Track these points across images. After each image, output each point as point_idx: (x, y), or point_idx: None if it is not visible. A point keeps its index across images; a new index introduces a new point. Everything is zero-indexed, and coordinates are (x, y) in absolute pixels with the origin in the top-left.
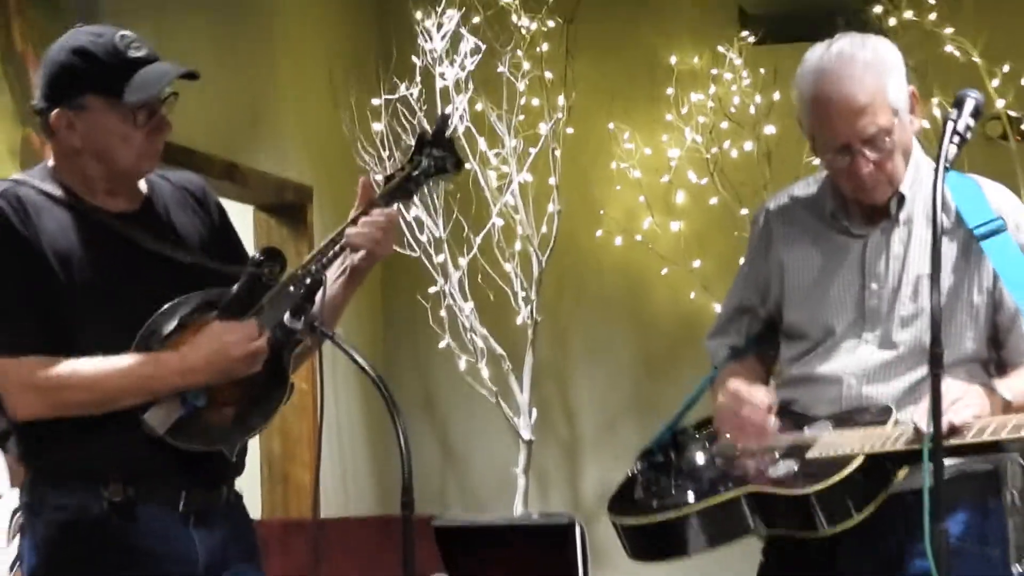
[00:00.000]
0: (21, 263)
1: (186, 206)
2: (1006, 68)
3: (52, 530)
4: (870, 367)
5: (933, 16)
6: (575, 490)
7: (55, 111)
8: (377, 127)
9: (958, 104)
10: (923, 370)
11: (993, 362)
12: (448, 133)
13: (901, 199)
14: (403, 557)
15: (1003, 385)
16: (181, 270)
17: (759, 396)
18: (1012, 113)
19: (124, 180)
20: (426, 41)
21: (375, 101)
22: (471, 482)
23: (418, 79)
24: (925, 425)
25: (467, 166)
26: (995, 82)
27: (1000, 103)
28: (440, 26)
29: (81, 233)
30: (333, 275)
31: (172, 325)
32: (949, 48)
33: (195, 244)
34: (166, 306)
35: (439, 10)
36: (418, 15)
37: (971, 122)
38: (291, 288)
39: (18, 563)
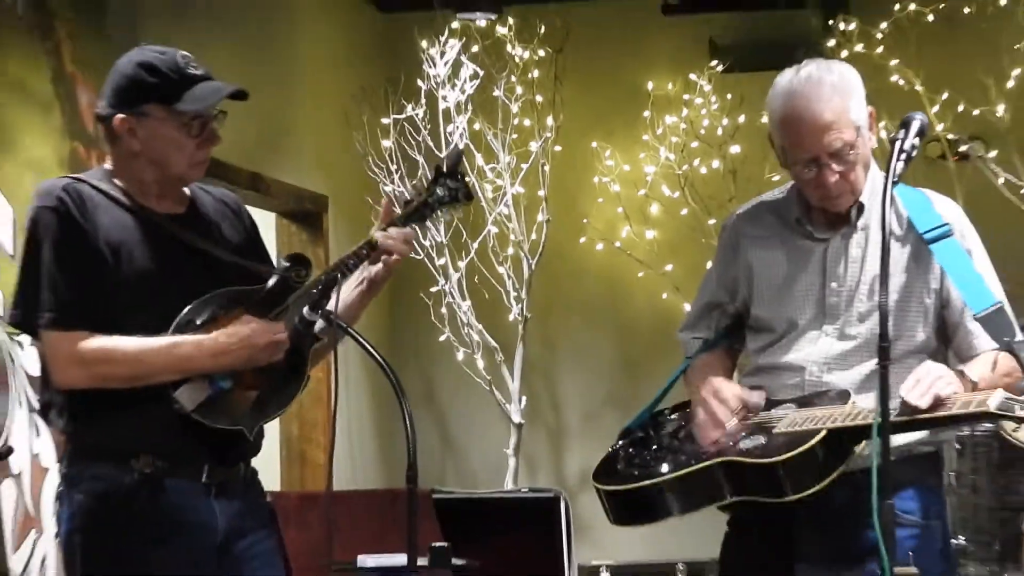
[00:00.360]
0: (77, 249)
1: (224, 216)
2: (944, 96)
3: (88, 499)
4: (830, 356)
5: (880, 49)
6: (560, 470)
7: (119, 117)
8: (386, 144)
9: (905, 125)
10: (874, 361)
11: (940, 353)
12: (460, 168)
13: (860, 207)
14: (407, 524)
15: (969, 369)
16: (220, 268)
17: (734, 393)
18: (950, 136)
19: (174, 185)
20: (430, 67)
21: (384, 120)
22: (467, 461)
23: (423, 101)
24: (912, 399)
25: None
26: (935, 108)
27: (939, 127)
28: (443, 54)
29: (132, 229)
30: (351, 285)
31: (205, 315)
32: (895, 78)
33: (232, 246)
34: (203, 297)
35: (442, 39)
36: (423, 44)
37: (916, 141)
38: (313, 291)
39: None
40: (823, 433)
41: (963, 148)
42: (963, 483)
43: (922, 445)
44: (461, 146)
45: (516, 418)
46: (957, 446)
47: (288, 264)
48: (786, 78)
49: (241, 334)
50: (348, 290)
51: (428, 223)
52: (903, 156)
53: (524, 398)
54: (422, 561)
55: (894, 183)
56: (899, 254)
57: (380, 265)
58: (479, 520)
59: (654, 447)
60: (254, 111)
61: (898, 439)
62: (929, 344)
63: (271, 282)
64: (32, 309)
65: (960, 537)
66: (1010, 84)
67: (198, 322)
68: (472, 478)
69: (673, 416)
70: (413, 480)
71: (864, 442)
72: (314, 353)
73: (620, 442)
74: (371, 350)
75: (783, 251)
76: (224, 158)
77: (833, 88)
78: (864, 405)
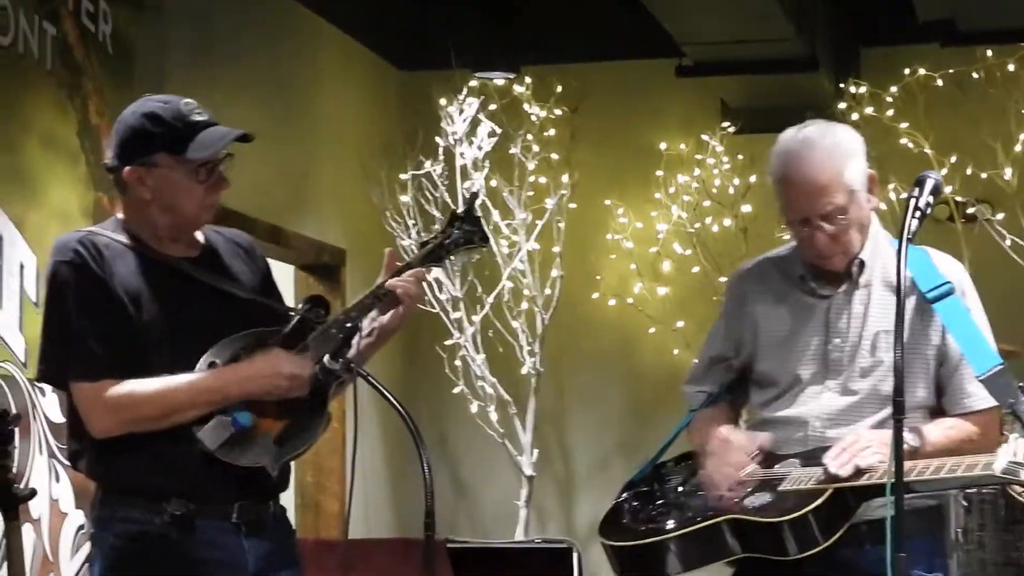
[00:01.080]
0: (98, 300)
1: (237, 256)
2: (953, 159)
3: (120, 541)
4: (833, 411)
5: (890, 112)
6: (570, 521)
7: (127, 168)
8: (404, 199)
9: (919, 183)
10: (879, 415)
11: (934, 410)
12: (477, 212)
13: (861, 264)
14: (424, 572)
15: (917, 432)
16: (238, 307)
17: (743, 443)
18: (958, 198)
19: (186, 229)
20: (448, 124)
21: (403, 176)
22: (479, 512)
23: (441, 157)
24: (833, 468)
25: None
26: (943, 171)
27: (948, 189)
28: (461, 111)
29: (148, 275)
30: (369, 325)
31: (226, 357)
32: (904, 141)
33: (246, 286)
34: (224, 340)
35: (461, 98)
36: (442, 101)
37: (930, 199)
38: (332, 331)
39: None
40: (829, 492)
41: (970, 210)
42: (970, 539)
43: (926, 499)
44: (478, 202)
45: (528, 471)
46: (964, 503)
47: (308, 305)
48: (786, 138)
49: (269, 362)
50: (366, 330)
51: (444, 266)
52: (917, 214)
53: (536, 451)
54: None
55: (908, 240)
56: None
57: (389, 315)
58: (493, 569)
59: (659, 501)
60: (275, 165)
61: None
62: (930, 400)
63: (292, 323)
64: (59, 363)
65: None
66: (1017, 148)
67: (220, 363)
68: (483, 528)
69: (677, 468)
70: (431, 527)
71: (865, 502)
72: (337, 388)
73: (625, 495)
74: (391, 399)
75: (787, 307)
76: (245, 211)
77: (827, 152)
78: (868, 462)
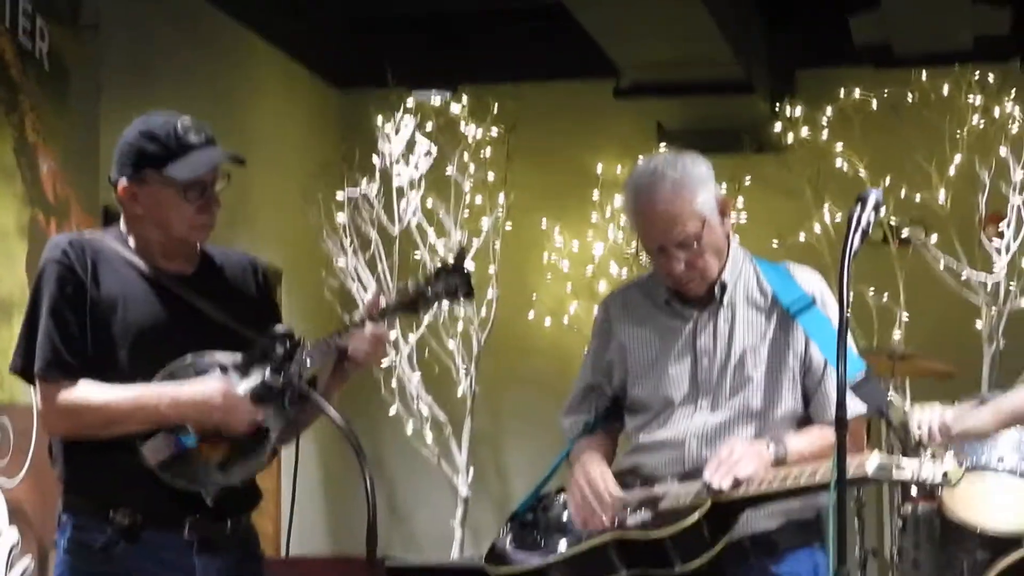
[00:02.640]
0: (74, 302)
1: (236, 278)
2: (887, 181)
3: (72, 546)
4: (707, 429)
5: (825, 134)
6: (490, 545)
7: (121, 184)
8: (340, 218)
9: (861, 200)
10: (749, 430)
11: (802, 419)
12: (466, 266)
13: (723, 286)
14: None
15: (781, 443)
16: (213, 330)
17: (609, 486)
18: (892, 221)
19: (179, 246)
20: (385, 143)
21: (339, 196)
22: (412, 531)
23: (377, 177)
24: (714, 481)
25: (416, 255)
26: None
27: (881, 212)
28: (398, 131)
29: (134, 285)
30: (325, 375)
31: (186, 372)
32: (839, 162)
33: (240, 310)
34: (185, 356)
35: (397, 117)
36: (379, 120)
37: (872, 216)
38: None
39: None
40: (708, 506)
41: (904, 233)
42: (905, 558)
43: (805, 511)
44: (414, 222)
45: (463, 491)
46: (899, 522)
47: (273, 334)
48: (637, 172)
49: (206, 391)
50: (321, 379)
51: (420, 315)
52: (859, 231)
53: (471, 470)
54: None
55: (852, 256)
56: (765, 327)
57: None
58: None
59: (542, 528)
60: None
61: (779, 504)
62: (797, 410)
63: (253, 350)
64: (29, 358)
65: None
66: (951, 171)
67: (179, 376)
68: (418, 548)
69: (561, 498)
70: (373, 541)
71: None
72: (288, 429)
73: (508, 525)
74: (333, 416)
75: (654, 331)
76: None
77: (675, 184)
78: (745, 473)
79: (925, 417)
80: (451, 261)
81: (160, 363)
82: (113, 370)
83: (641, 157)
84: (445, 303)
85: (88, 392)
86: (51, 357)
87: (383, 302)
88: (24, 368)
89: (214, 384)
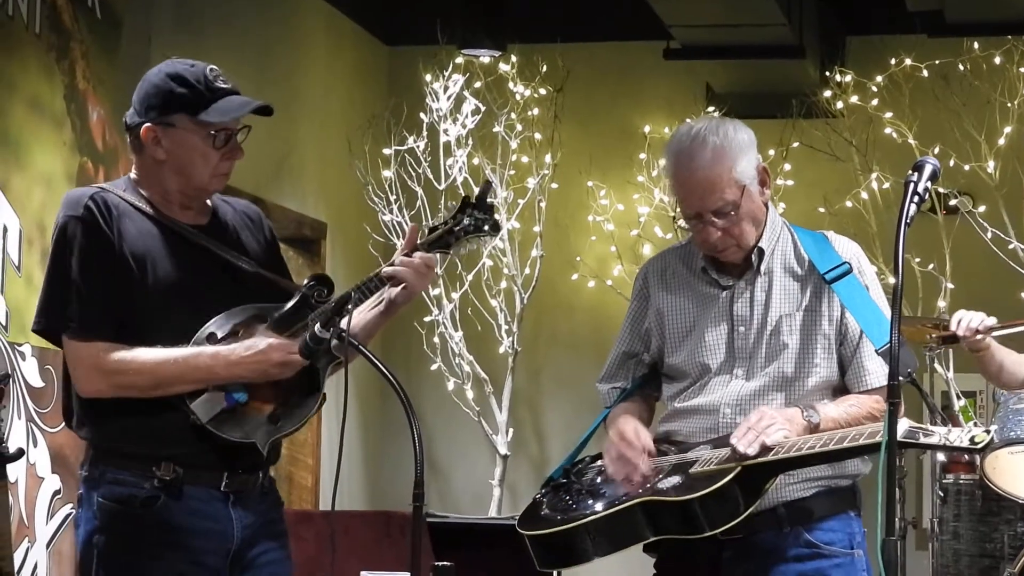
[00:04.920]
0: (102, 259)
1: (245, 227)
2: (936, 150)
3: (108, 502)
4: (741, 398)
5: (875, 102)
6: (525, 507)
7: (146, 125)
8: (386, 174)
9: (918, 168)
10: (783, 397)
11: (837, 387)
12: (489, 199)
13: (761, 253)
14: (411, 541)
15: (815, 410)
16: (242, 279)
17: (642, 439)
18: (940, 190)
19: (197, 195)
20: (433, 101)
21: (386, 151)
22: (450, 489)
23: (424, 134)
24: (740, 446)
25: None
26: None
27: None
28: (446, 88)
29: (157, 239)
30: (370, 305)
31: (227, 329)
32: (888, 130)
33: (252, 258)
34: (223, 313)
35: (446, 74)
36: (428, 77)
37: (928, 184)
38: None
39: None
40: (738, 470)
41: (952, 202)
42: (944, 530)
43: (840, 479)
44: (460, 179)
45: (503, 450)
46: (940, 493)
47: (310, 283)
48: (678, 136)
49: (257, 348)
50: (366, 308)
51: (451, 252)
52: (915, 199)
53: (511, 430)
54: None
55: (908, 224)
56: (802, 295)
57: (399, 289)
58: (472, 544)
59: (575, 492)
60: (258, 135)
61: (813, 472)
62: (832, 378)
63: (292, 300)
64: (56, 318)
65: None
66: (1000, 141)
67: (219, 335)
68: (455, 505)
69: (596, 463)
70: (420, 498)
71: (773, 479)
72: (333, 367)
73: (543, 490)
74: (384, 369)
75: (691, 299)
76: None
77: (715, 151)
78: (773, 439)
79: (966, 315)
80: (474, 197)
81: (192, 320)
82: (145, 329)
83: (689, 120)
84: (471, 240)
85: (134, 353)
86: (85, 317)
87: (419, 238)
88: (47, 327)
89: (268, 343)
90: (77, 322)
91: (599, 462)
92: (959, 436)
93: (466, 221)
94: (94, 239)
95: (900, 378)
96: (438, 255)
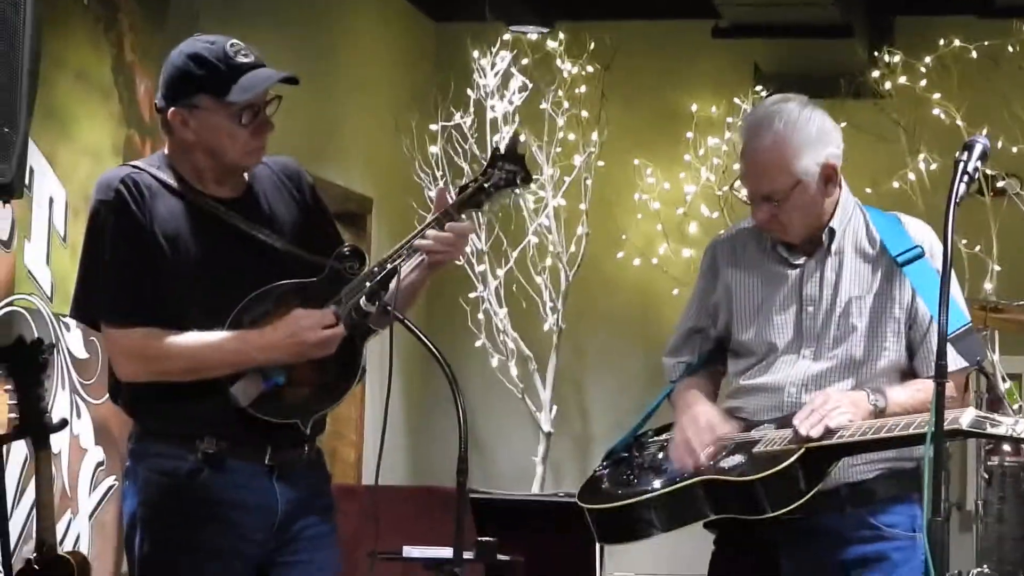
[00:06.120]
0: (135, 243)
1: (283, 189)
2: (984, 131)
3: (154, 475)
4: (807, 378)
5: (923, 83)
6: (585, 479)
7: (172, 109)
8: (433, 150)
9: (968, 148)
10: (851, 380)
11: (905, 371)
12: (519, 150)
13: (832, 233)
14: (456, 516)
15: (882, 394)
16: (275, 255)
17: (712, 421)
18: (988, 172)
19: (230, 172)
20: (480, 77)
21: (432, 127)
22: (493, 465)
23: (471, 110)
24: (803, 428)
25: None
26: None
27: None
28: (493, 65)
29: (188, 219)
30: (411, 265)
31: (261, 309)
32: (936, 111)
33: (290, 227)
34: (258, 291)
35: (493, 51)
36: (475, 54)
37: (978, 164)
38: (366, 283)
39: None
40: (801, 451)
41: (1000, 184)
42: (989, 512)
43: (904, 461)
44: (505, 145)
45: (546, 427)
46: (985, 475)
47: (343, 256)
48: (755, 110)
49: (291, 329)
50: (407, 270)
51: (485, 209)
52: (965, 178)
53: (555, 407)
54: (467, 554)
55: (957, 204)
56: (872, 277)
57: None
58: (515, 521)
59: (637, 467)
60: (306, 110)
61: (877, 454)
62: (900, 362)
63: (324, 274)
64: (92, 305)
65: (984, 566)
66: None
67: (254, 317)
68: (498, 482)
69: (656, 438)
70: (464, 472)
71: (836, 462)
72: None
73: (604, 463)
74: (429, 344)
75: (760, 276)
76: (272, 154)
77: (776, 138)
78: (837, 422)
79: None
80: (503, 148)
81: (227, 298)
82: (177, 312)
83: (738, 100)
84: (505, 196)
85: (169, 339)
86: (123, 305)
87: (449, 200)
88: (84, 316)
89: (303, 323)
90: (112, 310)
91: (662, 436)
92: None
93: (497, 175)
94: (125, 225)
95: (968, 364)
96: (472, 217)
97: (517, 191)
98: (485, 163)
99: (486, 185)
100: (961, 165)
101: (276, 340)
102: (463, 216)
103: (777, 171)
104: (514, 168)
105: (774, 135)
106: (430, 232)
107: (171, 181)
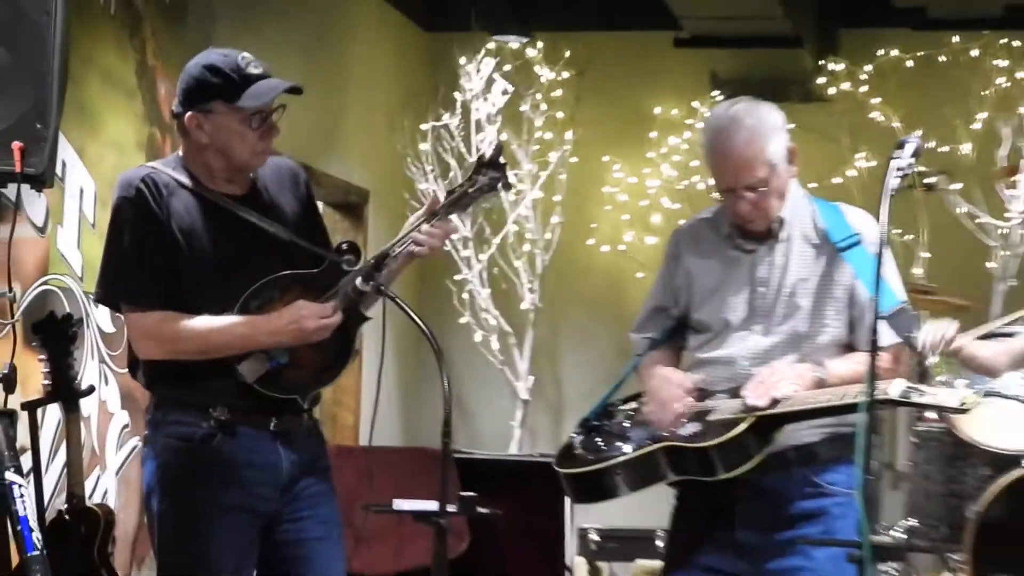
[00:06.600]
0: (152, 237)
1: (283, 185)
2: (918, 133)
3: (171, 441)
4: (757, 352)
5: (864, 88)
6: (559, 442)
7: (188, 114)
8: (424, 147)
9: (901, 146)
10: (796, 354)
11: (846, 345)
12: (502, 159)
13: (781, 222)
14: (441, 472)
15: (823, 366)
16: (279, 246)
17: (682, 381)
18: (921, 169)
19: (240, 171)
20: (466, 81)
21: (423, 126)
22: (476, 429)
23: (458, 111)
24: (751, 399)
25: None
26: None
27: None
28: (478, 70)
29: (201, 214)
30: (394, 264)
31: (267, 295)
32: (875, 115)
33: (291, 220)
34: (264, 280)
35: (478, 58)
36: (462, 61)
37: (912, 160)
38: (360, 276)
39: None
40: (751, 421)
41: (930, 180)
42: (917, 472)
43: (843, 426)
44: (489, 153)
45: (523, 395)
46: (914, 439)
47: (341, 250)
48: (716, 115)
49: (293, 316)
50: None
51: (469, 211)
52: (898, 172)
53: (531, 378)
54: (451, 507)
55: (891, 196)
56: (816, 261)
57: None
58: (495, 478)
59: (606, 434)
60: (310, 111)
61: (827, 420)
62: (842, 337)
63: (324, 267)
64: (113, 290)
65: (912, 520)
66: (976, 126)
67: (260, 303)
68: (480, 443)
69: (624, 407)
70: (448, 435)
71: (783, 428)
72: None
73: (578, 431)
74: (416, 319)
75: (717, 261)
76: (281, 150)
77: (750, 131)
78: (783, 392)
79: (930, 329)
80: (487, 156)
81: (236, 286)
82: (191, 298)
83: (696, 103)
84: (488, 198)
85: (184, 321)
86: (141, 291)
87: (439, 203)
88: (106, 300)
89: (303, 311)
90: (132, 295)
91: (628, 405)
92: (950, 397)
93: (481, 180)
94: (145, 218)
95: (900, 340)
96: (458, 217)
97: (497, 195)
98: (471, 167)
99: (471, 190)
100: (895, 162)
101: (280, 326)
102: (450, 216)
103: (759, 161)
104: (497, 175)
105: (749, 131)
106: (424, 227)
107: (186, 180)
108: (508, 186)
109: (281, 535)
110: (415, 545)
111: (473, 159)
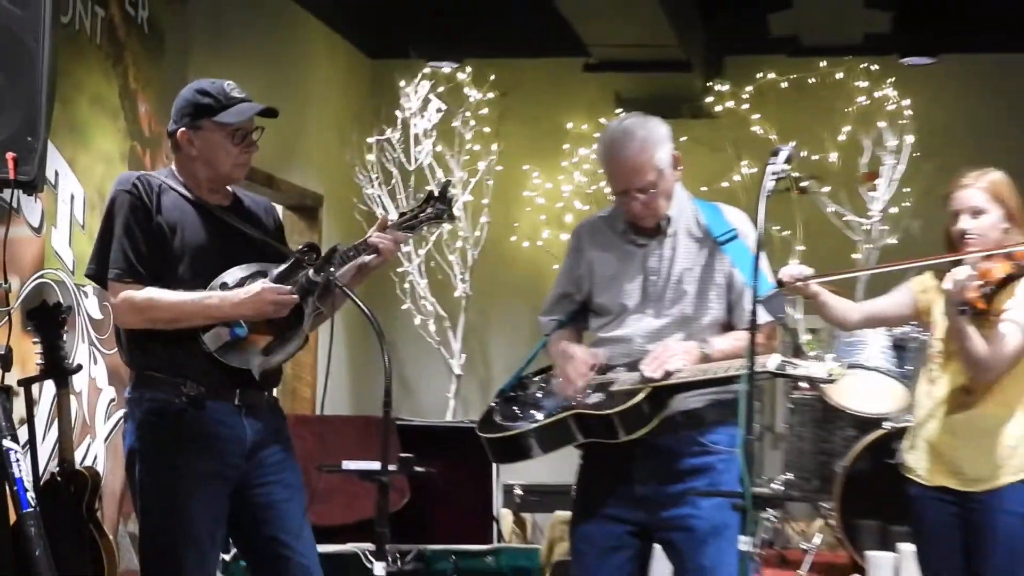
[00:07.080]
0: (142, 223)
1: (259, 209)
2: (792, 144)
3: (148, 415)
4: (650, 331)
5: (746, 106)
6: (482, 414)
7: (181, 131)
8: (370, 158)
9: (775, 153)
10: (683, 333)
11: (725, 324)
12: (449, 195)
13: (668, 220)
14: (382, 438)
15: (708, 343)
16: (255, 245)
17: (585, 356)
18: (795, 174)
19: (222, 182)
20: (406, 101)
21: (369, 140)
22: (417, 400)
23: (399, 127)
24: (647, 372)
25: (427, 188)
26: None
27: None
28: (416, 92)
29: (188, 213)
30: (350, 271)
31: (235, 280)
32: (756, 129)
33: (263, 231)
34: (234, 267)
35: (416, 81)
36: (402, 83)
37: (785, 166)
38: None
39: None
40: (648, 390)
41: (804, 184)
42: (793, 433)
43: (726, 393)
44: (426, 163)
45: (457, 370)
46: (790, 405)
47: (303, 249)
48: (612, 127)
49: (254, 291)
50: (348, 273)
51: (414, 233)
52: (773, 177)
53: (464, 356)
54: (392, 467)
55: (768, 196)
56: (699, 252)
57: (372, 257)
58: (431, 442)
59: (521, 403)
60: (272, 126)
61: (711, 389)
62: (723, 317)
63: (288, 262)
64: (104, 266)
65: (788, 474)
66: (841, 138)
67: (230, 284)
68: (420, 412)
69: (536, 379)
70: (389, 404)
71: (675, 396)
72: (317, 318)
73: (496, 400)
74: (361, 305)
75: (614, 254)
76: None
77: (642, 141)
78: (674, 366)
79: (790, 267)
80: (436, 192)
81: (212, 274)
82: (174, 279)
83: (603, 120)
84: (434, 225)
85: (158, 295)
86: (125, 265)
87: (389, 221)
88: (96, 273)
89: (265, 287)
90: (118, 269)
91: (539, 378)
92: (820, 369)
93: (429, 210)
94: (136, 208)
95: (772, 319)
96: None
97: (441, 224)
98: (422, 199)
99: (420, 216)
100: (770, 167)
101: (244, 298)
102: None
103: (649, 167)
104: (443, 207)
105: (640, 141)
106: (377, 234)
107: (176, 186)
108: (452, 218)
109: (251, 498)
110: (362, 500)
111: (412, 168)
